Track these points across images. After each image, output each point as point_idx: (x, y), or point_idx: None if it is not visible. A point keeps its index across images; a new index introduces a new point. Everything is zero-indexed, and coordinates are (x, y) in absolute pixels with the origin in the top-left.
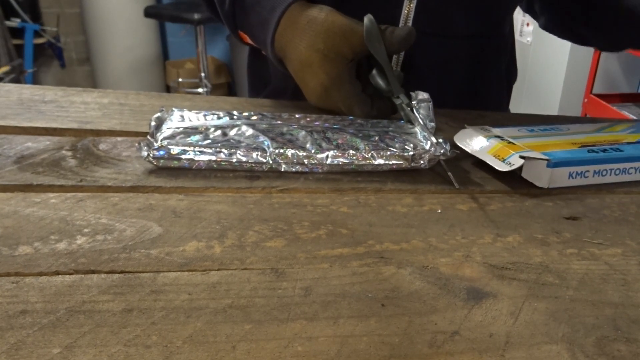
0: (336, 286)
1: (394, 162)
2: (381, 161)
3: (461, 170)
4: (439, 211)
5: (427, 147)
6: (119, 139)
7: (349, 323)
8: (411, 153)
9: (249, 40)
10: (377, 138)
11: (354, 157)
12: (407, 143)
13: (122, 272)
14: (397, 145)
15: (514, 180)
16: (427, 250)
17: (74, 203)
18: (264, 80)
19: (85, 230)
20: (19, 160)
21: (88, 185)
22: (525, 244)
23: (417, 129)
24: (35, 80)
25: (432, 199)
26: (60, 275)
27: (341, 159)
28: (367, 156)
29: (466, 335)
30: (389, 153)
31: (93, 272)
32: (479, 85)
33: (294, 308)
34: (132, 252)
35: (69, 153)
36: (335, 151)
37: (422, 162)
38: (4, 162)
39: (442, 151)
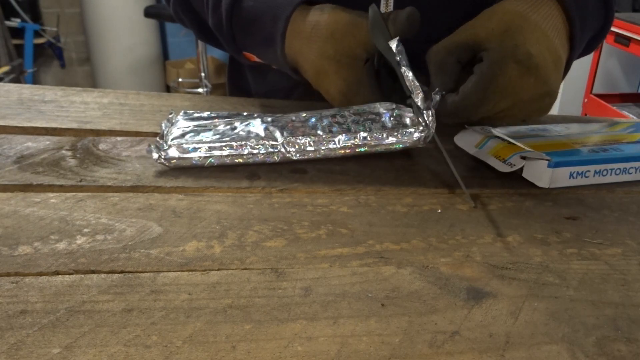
0: (336, 286)
1: (406, 139)
2: (393, 139)
3: (461, 170)
4: (439, 211)
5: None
6: (119, 138)
7: (349, 323)
8: (421, 130)
9: (256, 59)
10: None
11: (366, 139)
12: (418, 124)
13: (122, 272)
14: (408, 122)
15: (514, 180)
16: (427, 250)
17: (74, 203)
18: (244, 93)
19: (85, 230)
20: (19, 160)
21: (88, 185)
22: (525, 244)
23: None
24: (35, 80)
25: (432, 199)
26: (60, 275)
27: (353, 141)
28: (379, 136)
29: (466, 335)
30: (402, 132)
31: (93, 272)
32: None
33: (294, 308)
34: (132, 252)
35: (69, 153)
36: (347, 135)
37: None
38: (3, 162)
39: (430, 120)
